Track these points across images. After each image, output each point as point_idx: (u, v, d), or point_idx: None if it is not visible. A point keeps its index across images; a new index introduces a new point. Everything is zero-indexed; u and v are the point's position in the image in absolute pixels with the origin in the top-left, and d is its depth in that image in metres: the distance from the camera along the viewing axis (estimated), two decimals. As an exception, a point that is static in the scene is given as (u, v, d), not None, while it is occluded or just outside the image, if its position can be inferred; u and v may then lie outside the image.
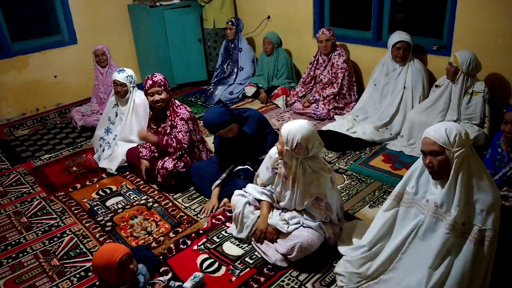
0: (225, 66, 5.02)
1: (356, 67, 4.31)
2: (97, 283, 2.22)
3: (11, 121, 4.61)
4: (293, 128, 2.18)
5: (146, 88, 2.95)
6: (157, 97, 2.95)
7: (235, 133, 2.74)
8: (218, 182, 2.88)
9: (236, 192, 2.59)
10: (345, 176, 3.14)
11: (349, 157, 3.41)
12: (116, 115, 3.53)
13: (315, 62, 4.29)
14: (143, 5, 4.94)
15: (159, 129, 3.13)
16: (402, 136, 3.50)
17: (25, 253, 2.58)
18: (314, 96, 4.16)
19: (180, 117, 3.01)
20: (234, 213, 2.53)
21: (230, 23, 4.79)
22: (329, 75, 4.17)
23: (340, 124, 3.73)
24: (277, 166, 2.36)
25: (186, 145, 3.02)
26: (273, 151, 2.38)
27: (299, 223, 2.32)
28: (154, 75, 2.98)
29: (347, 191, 2.95)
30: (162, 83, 2.96)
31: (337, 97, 4.11)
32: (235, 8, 5.29)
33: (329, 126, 3.73)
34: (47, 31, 4.82)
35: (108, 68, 4.28)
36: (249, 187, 2.55)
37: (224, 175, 2.88)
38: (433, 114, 3.33)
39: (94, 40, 4.76)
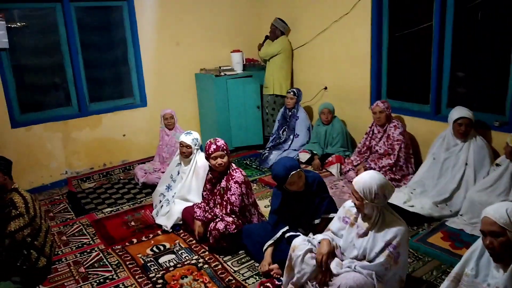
0: (281, 132, 5.19)
1: (413, 140, 4.26)
2: None
3: (80, 174, 4.90)
4: (366, 180, 2.25)
5: (210, 152, 3.10)
6: (219, 160, 3.10)
7: (303, 182, 2.78)
8: (271, 242, 2.89)
9: (301, 237, 2.56)
10: (400, 252, 3.01)
11: (405, 232, 3.28)
12: (178, 174, 3.71)
13: (371, 132, 4.31)
14: (209, 74, 5.35)
15: (215, 190, 3.25)
16: (461, 215, 3.34)
17: (79, 303, 2.69)
18: (370, 165, 4.14)
19: (235, 180, 3.11)
20: (292, 255, 2.44)
21: (291, 93, 5.02)
22: (385, 146, 4.15)
23: (396, 197, 3.61)
24: (350, 216, 2.41)
25: (237, 208, 3.09)
26: (348, 203, 2.46)
27: (350, 268, 2.28)
28: (217, 140, 3.15)
29: (402, 268, 2.81)
30: (224, 147, 3.13)
31: (393, 169, 4.04)
32: (292, 77, 5.56)
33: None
34: (121, 94, 5.25)
35: (174, 130, 4.56)
36: (318, 236, 2.54)
37: (278, 235, 2.88)
38: (493, 194, 3.16)
39: (162, 104, 5.10)
